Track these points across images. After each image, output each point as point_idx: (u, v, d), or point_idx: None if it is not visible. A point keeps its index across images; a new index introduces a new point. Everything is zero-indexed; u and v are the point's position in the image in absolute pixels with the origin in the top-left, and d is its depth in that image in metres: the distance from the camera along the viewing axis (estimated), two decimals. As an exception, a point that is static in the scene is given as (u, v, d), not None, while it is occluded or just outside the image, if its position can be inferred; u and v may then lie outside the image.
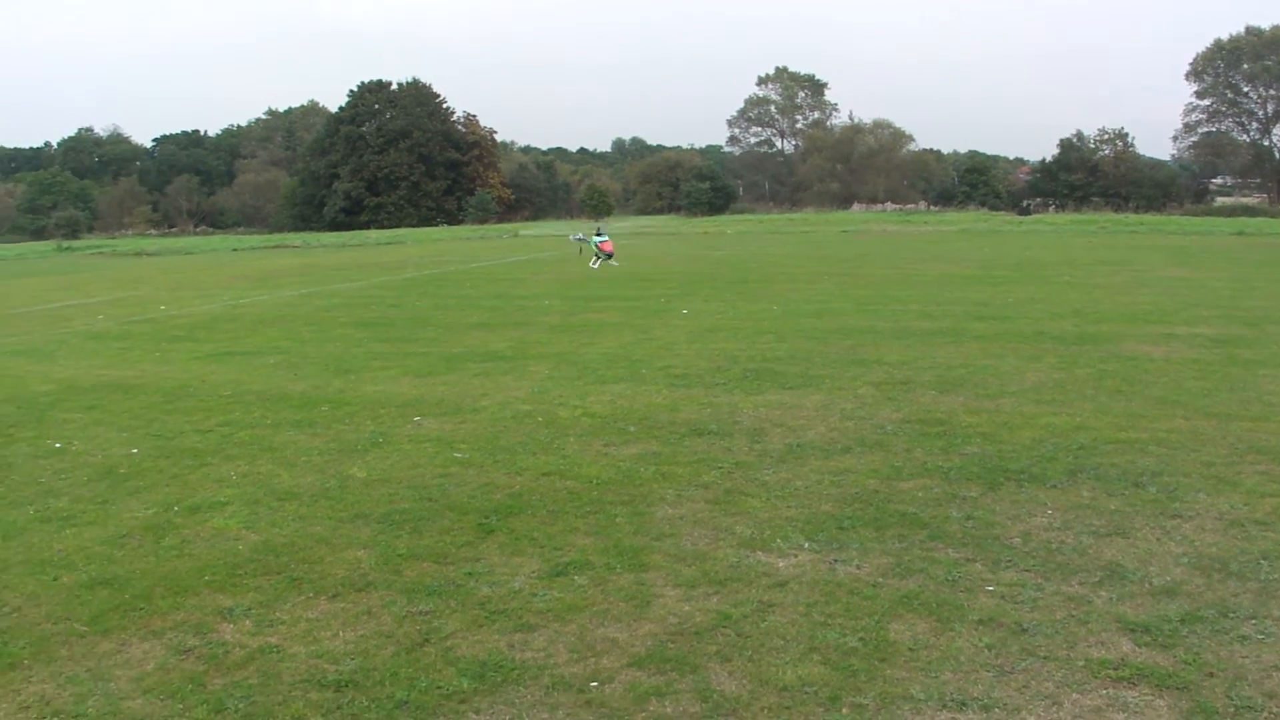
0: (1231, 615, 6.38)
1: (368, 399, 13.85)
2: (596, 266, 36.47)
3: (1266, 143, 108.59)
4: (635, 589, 7.05)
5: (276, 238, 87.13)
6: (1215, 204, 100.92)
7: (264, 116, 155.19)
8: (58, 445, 11.93)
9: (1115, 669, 5.76)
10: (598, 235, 39.37)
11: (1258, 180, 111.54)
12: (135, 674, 6.09)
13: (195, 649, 6.38)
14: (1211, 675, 5.67)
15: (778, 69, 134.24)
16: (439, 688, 5.77)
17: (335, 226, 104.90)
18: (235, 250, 71.01)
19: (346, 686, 5.82)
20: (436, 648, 6.25)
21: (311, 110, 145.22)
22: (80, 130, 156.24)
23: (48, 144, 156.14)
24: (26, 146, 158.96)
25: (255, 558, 7.94)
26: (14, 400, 14.77)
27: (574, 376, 14.92)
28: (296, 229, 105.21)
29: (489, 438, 11.47)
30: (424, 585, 7.23)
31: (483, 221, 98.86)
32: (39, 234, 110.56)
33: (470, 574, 7.42)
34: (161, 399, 14.37)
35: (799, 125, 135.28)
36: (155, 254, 70.84)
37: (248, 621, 6.75)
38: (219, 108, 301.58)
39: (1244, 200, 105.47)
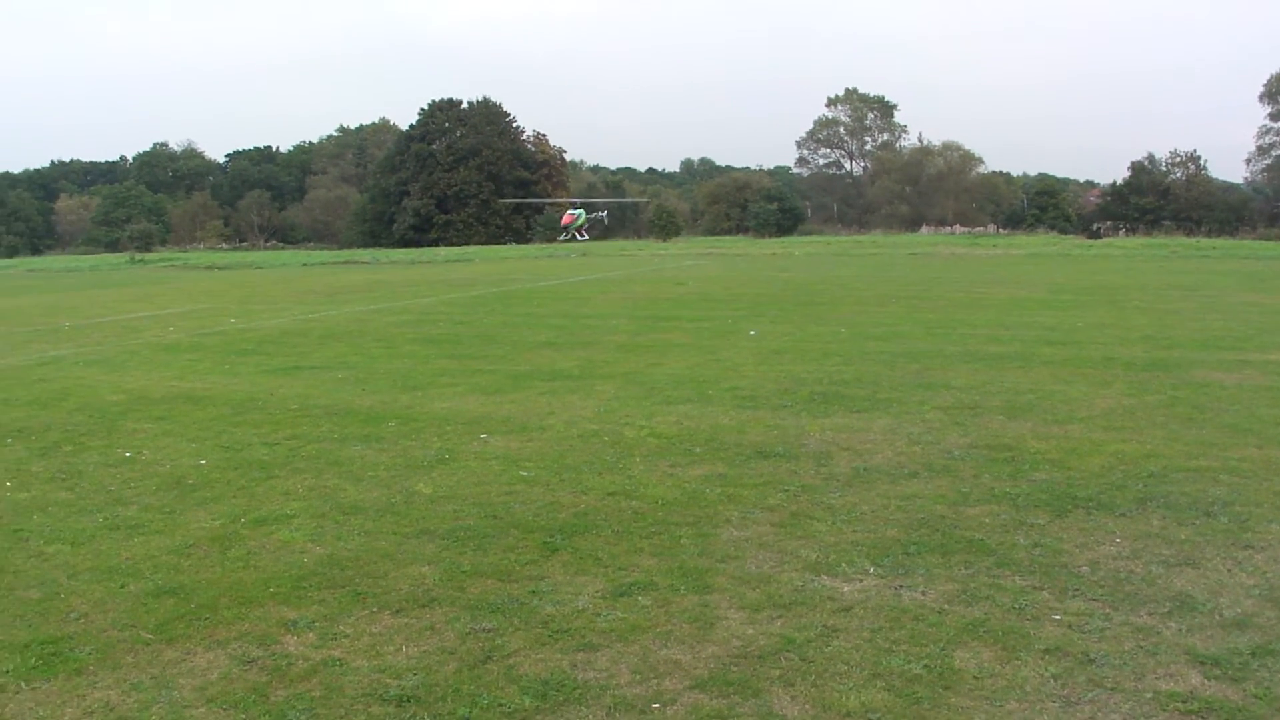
0: (1303, 649, 6.27)
1: (434, 415, 13.92)
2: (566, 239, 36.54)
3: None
4: (699, 611, 7.03)
5: (346, 253, 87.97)
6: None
7: (335, 133, 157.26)
8: (127, 454, 12.09)
9: (1184, 702, 5.67)
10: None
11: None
12: (199, 683, 6.14)
13: (259, 660, 6.43)
14: (1283, 710, 5.58)
15: (847, 90, 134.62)
16: (501, 705, 5.78)
17: (404, 243, 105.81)
18: (305, 265, 71.70)
19: (408, 702, 5.84)
20: (499, 665, 6.26)
21: (383, 128, 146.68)
22: (155, 145, 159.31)
23: (123, 158, 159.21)
24: (102, 160, 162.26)
25: (320, 571, 7.99)
26: (86, 409, 14.99)
27: (640, 396, 14.93)
28: (366, 245, 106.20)
29: (555, 456, 11.50)
30: (487, 602, 7.24)
31: (551, 240, 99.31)
32: (113, 246, 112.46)
33: (534, 592, 7.43)
34: (230, 411, 14.53)
35: (868, 147, 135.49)
36: (226, 268, 71.67)
37: (311, 634, 6.79)
38: (291, 124, 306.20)
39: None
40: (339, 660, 6.39)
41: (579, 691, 5.92)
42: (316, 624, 6.96)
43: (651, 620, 6.89)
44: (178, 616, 7.13)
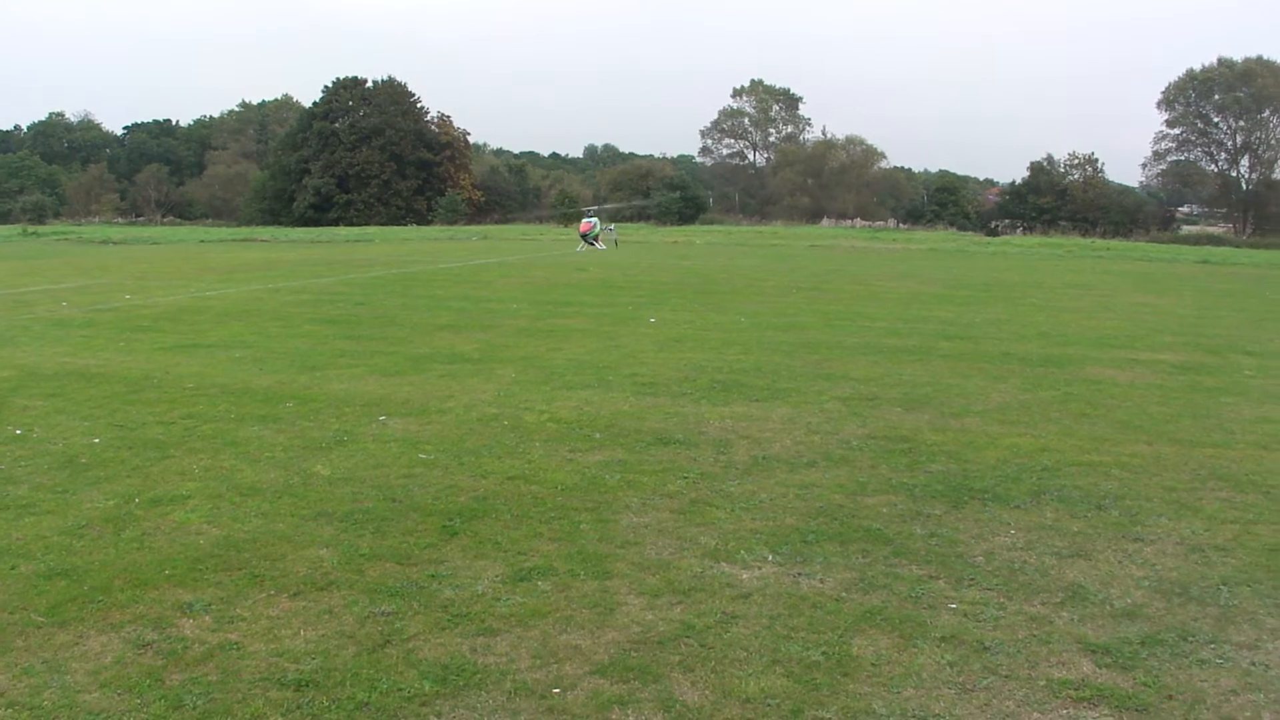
0: (1191, 639, 6.44)
1: (333, 396, 13.79)
2: (582, 251, 36.43)
3: (1234, 173, 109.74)
4: (599, 596, 7.04)
5: (245, 231, 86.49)
6: (1181, 232, 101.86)
7: (237, 109, 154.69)
8: (18, 432, 11.82)
9: (1076, 689, 5.79)
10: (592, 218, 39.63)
11: (1224, 210, 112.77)
12: (92, 667, 6.03)
13: (154, 643, 6.32)
14: (1170, 698, 5.71)
15: (753, 81, 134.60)
16: (400, 690, 5.74)
17: (304, 222, 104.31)
18: (203, 242, 70.52)
19: (307, 686, 5.78)
20: (398, 649, 6.22)
21: (285, 104, 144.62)
22: (51, 115, 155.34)
23: (17, 127, 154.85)
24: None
25: (216, 553, 7.88)
26: (-25, 385, 14.64)
27: (541, 381, 14.90)
28: (265, 223, 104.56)
29: (454, 439, 11.44)
30: (386, 586, 7.19)
31: (452, 223, 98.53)
32: (4, 218, 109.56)
33: (433, 576, 7.39)
34: (125, 389, 14.26)
35: (772, 138, 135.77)
36: (122, 242, 70.26)
37: (208, 617, 6.69)
38: (192, 98, 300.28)
39: (1210, 229, 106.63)
40: (236, 644, 6.31)
41: (479, 676, 5.90)
42: (213, 607, 6.86)
43: (551, 605, 6.89)
44: (70, 599, 6.99)
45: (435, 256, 48.03)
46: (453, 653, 6.18)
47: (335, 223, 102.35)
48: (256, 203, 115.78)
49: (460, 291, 29.71)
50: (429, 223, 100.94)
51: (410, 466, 10.32)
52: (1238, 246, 77.00)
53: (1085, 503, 9.27)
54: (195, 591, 7.13)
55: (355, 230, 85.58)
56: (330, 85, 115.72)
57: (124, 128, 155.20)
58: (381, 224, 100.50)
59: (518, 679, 5.87)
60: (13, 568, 7.60)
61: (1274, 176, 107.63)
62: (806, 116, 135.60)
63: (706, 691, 5.74)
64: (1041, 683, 5.88)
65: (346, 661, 6.07)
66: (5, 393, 14.05)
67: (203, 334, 20.03)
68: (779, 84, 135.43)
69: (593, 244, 50.09)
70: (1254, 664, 6.15)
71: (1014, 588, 7.26)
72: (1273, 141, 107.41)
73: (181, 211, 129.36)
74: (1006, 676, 5.95)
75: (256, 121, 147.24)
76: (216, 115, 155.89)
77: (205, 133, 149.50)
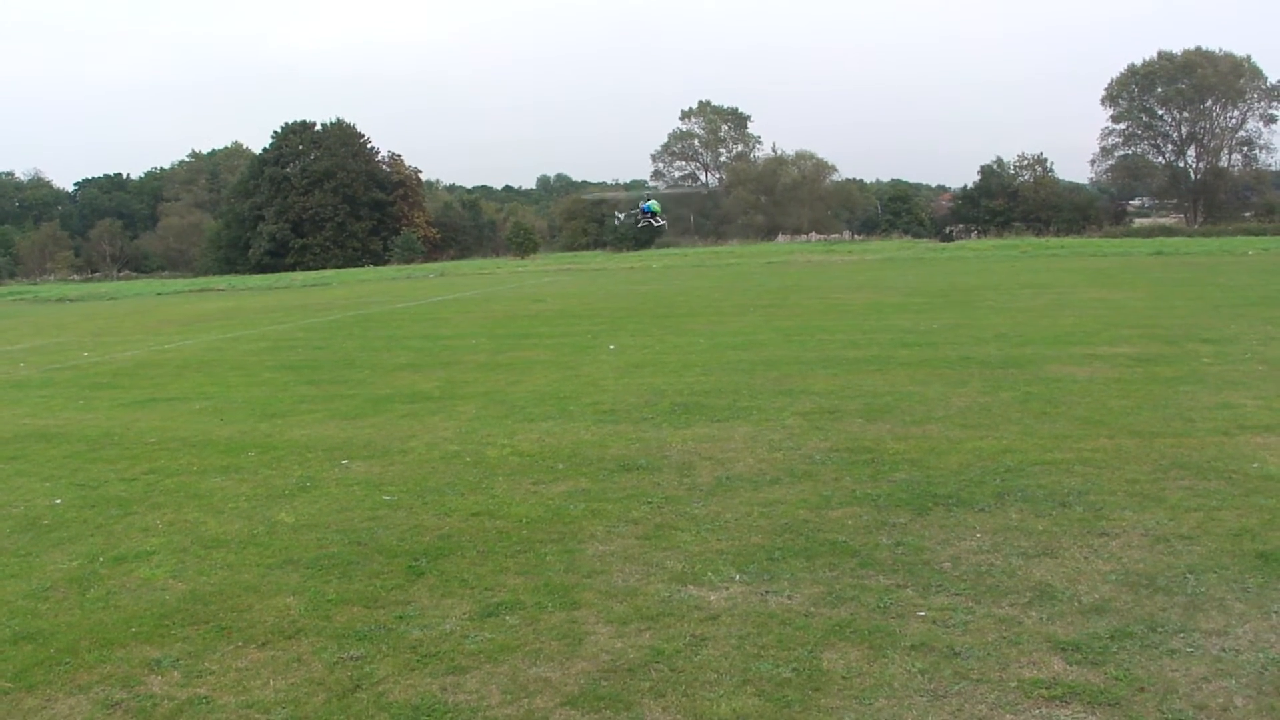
0: (1160, 630, 6.49)
1: (295, 443, 13.73)
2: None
3: (1181, 164, 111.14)
4: (567, 627, 7.03)
5: (201, 281, 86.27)
6: (1133, 225, 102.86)
7: (187, 159, 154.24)
8: (-22, 498, 11.73)
9: (1048, 688, 5.83)
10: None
11: (1174, 200, 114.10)
12: (61, 731, 5.98)
13: (123, 703, 6.28)
14: (1142, 690, 5.76)
15: (700, 103, 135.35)
16: (371, 734, 5.72)
17: (261, 269, 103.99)
18: (160, 294, 70.23)
19: (277, 736, 5.75)
20: (368, 693, 6.20)
21: (235, 152, 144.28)
22: (0, 174, 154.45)
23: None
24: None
25: (183, 607, 7.83)
26: (-68, 453, 14.50)
27: (502, 415, 14.88)
28: (221, 272, 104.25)
29: (417, 479, 11.41)
30: (354, 630, 7.17)
31: (408, 261, 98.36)
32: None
33: (401, 617, 7.37)
34: (85, 447, 14.17)
35: (723, 158, 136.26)
36: (78, 299, 69.89)
37: (176, 673, 6.65)
38: (141, 150, 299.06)
39: (1161, 221, 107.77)
40: (205, 698, 6.28)
41: (450, 715, 5.89)
42: (181, 662, 6.82)
43: (520, 639, 6.87)
44: (37, 662, 6.94)
45: (393, 296, 47.94)
46: (423, 693, 6.16)
47: (292, 268, 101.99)
48: (212, 252, 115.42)
49: (419, 330, 29.66)
50: (385, 262, 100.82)
51: (374, 509, 10.28)
52: (1190, 236, 77.78)
53: (1049, 501, 9.32)
54: (163, 648, 7.08)
55: (312, 274, 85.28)
56: (280, 130, 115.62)
57: (75, 184, 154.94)
58: (338, 266, 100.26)
59: (489, 715, 5.86)
60: (-23, 635, 7.53)
61: (1221, 165, 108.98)
62: (756, 134, 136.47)
63: (679, 716, 5.74)
64: (1013, 684, 5.91)
65: (317, 709, 6.04)
66: (-36, 459, 13.93)
67: (162, 388, 19.91)
68: (727, 104, 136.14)
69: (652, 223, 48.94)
70: (1224, 650, 6.20)
71: (982, 591, 7.29)
72: (1217, 130, 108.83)
73: (137, 265, 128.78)
74: (978, 680, 5.97)
75: (208, 171, 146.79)
76: (167, 166, 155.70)
77: (157, 184, 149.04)
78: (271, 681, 6.45)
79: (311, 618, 7.47)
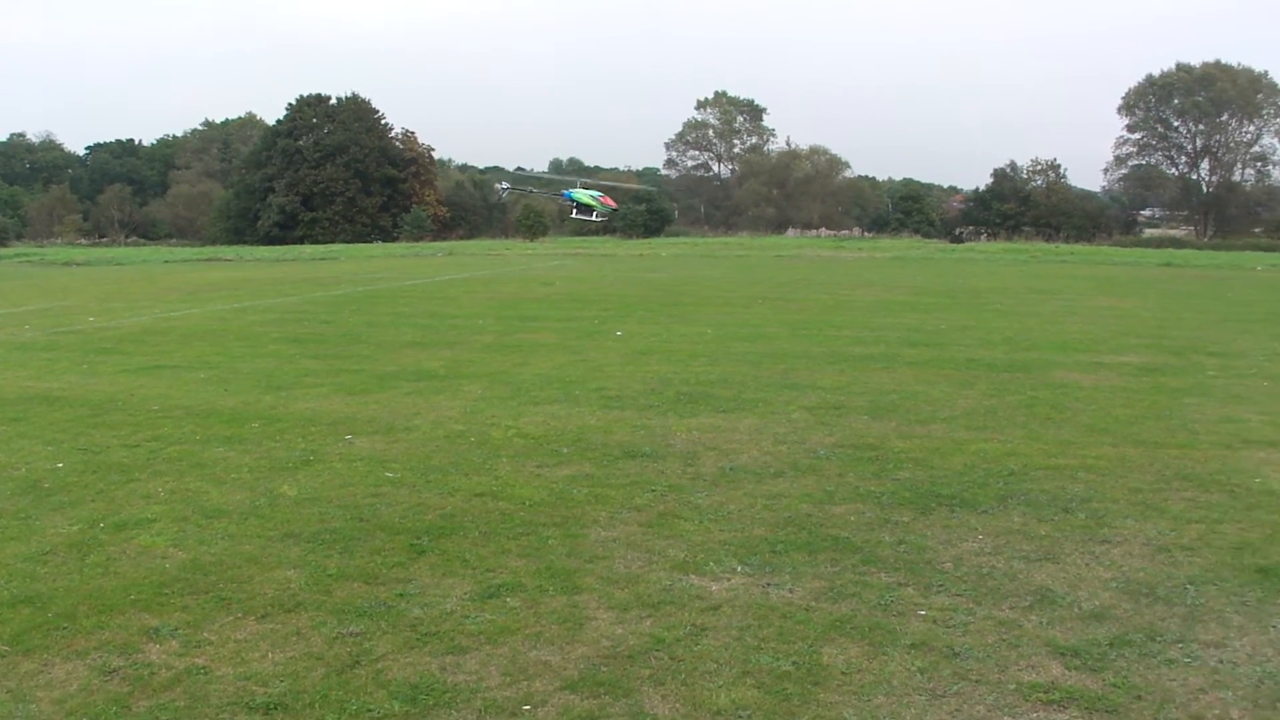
0: (1159, 639, 6.50)
1: (299, 416, 13.73)
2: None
3: (1194, 176, 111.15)
4: (568, 612, 7.03)
5: (209, 250, 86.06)
6: (1143, 235, 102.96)
7: (200, 128, 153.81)
8: (-19, 458, 11.73)
9: (1046, 692, 5.84)
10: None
11: (1185, 213, 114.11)
12: (58, 695, 5.98)
13: (120, 670, 6.27)
14: (1140, 698, 5.76)
15: (716, 93, 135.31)
16: (370, 711, 5.72)
17: (269, 241, 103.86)
18: (167, 262, 70.14)
19: (275, 709, 5.75)
20: (367, 670, 6.19)
21: (249, 122, 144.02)
22: (12, 136, 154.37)
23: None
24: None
25: (183, 576, 7.82)
26: (-64, 412, 14.50)
27: (507, 397, 14.87)
28: (230, 242, 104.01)
29: (421, 457, 11.41)
30: (354, 606, 7.16)
31: (417, 239, 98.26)
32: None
33: (401, 595, 7.36)
34: (88, 412, 14.16)
35: (736, 150, 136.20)
36: (85, 264, 69.76)
37: (174, 642, 6.65)
38: (154, 117, 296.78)
39: (1171, 232, 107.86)
40: (203, 668, 6.27)
41: (449, 695, 5.88)
42: (179, 631, 6.81)
43: (520, 622, 6.87)
44: (34, 626, 6.92)
45: (401, 273, 47.93)
46: (422, 672, 6.15)
47: (300, 241, 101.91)
48: (221, 222, 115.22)
49: (426, 308, 29.65)
50: (394, 239, 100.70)
51: (377, 485, 10.28)
52: (1199, 249, 77.79)
53: (1052, 506, 9.32)
54: (161, 616, 7.07)
55: (320, 248, 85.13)
56: (294, 103, 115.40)
57: (86, 148, 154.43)
58: (347, 241, 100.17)
59: (488, 697, 5.86)
60: (-24, 596, 7.53)
61: (1234, 179, 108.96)
62: (770, 127, 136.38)
63: (677, 704, 5.74)
64: (1011, 686, 5.91)
65: (315, 683, 6.03)
66: (-33, 419, 13.93)
67: (167, 355, 19.91)
68: (743, 95, 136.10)
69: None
70: (1221, 662, 6.21)
71: (983, 593, 7.30)
72: (1231, 144, 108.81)
73: (145, 232, 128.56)
74: (977, 681, 5.97)
75: (220, 140, 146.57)
76: (180, 134, 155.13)
77: (168, 152, 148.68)
78: (270, 654, 6.45)
79: (312, 592, 7.47)
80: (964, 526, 8.79)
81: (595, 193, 42.94)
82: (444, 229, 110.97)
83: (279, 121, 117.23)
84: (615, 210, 38.95)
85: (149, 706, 5.82)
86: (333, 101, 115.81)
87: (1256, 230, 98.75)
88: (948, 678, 6.02)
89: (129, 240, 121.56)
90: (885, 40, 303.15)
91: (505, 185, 42.10)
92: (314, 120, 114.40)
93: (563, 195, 41.05)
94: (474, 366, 17.88)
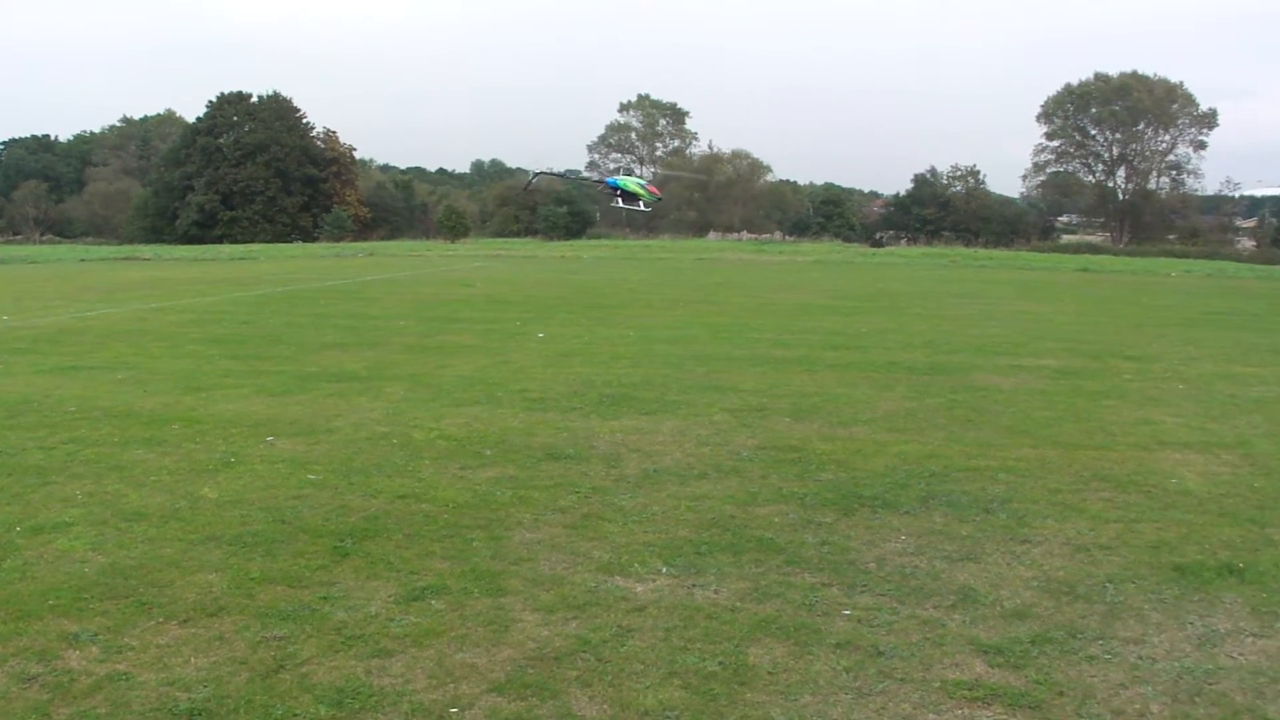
0: (1080, 636, 6.64)
1: (219, 417, 13.58)
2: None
3: (1110, 184, 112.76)
4: (493, 614, 7.02)
5: (126, 249, 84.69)
6: (1061, 241, 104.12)
7: (118, 124, 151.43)
8: (-108, 461, 11.50)
9: (970, 690, 5.93)
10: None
11: (1101, 219, 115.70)
12: (-25, 701, 5.88)
13: (39, 677, 6.17)
14: (1062, 694, 5.88)
15: (639, 96, 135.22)
16: (295, 715, 5.68)
17: (188, 240, 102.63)
18: (83, 261, 68.99)
19: (199, 715, 5.69)
20: (292, 674, 6.15)
21: (168, 119, 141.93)
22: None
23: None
24: None
25: (102, 581, 7.71)
26: None
27: (429, 398, 14.81)
28: (148, 241, 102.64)
29: (343, 459, 11.33)
30: (278, 610, 7.10)
31: (338, 239, 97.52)
32: None
33: (325, 598, 7.31)
34: (2, 414, 13.90)
35: (659, 153, 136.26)
36: (-3, 263, 68.73)
37: (94, 648, 6.55)
38: (71, 113, 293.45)
39: (1088, 238, 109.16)
40: (125, 674, 6.18)
41: (375, 699, 5.86)
42: (100, 636, 6.72)
43: (446, 624, 6.85)
44: (-51, 632, 6.80)
45: (321, 274, 47.55)
46: (347, 676, 6.12)
47: (220, 240, 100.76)
48: (139, 220, 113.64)
49: (347, 309, 29.44)
50: (315, 240, 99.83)
51: (299, 487, 10.20)
52: (1115, 254, 79.14)
53: (973, 507, 9.45)
54: (81, 622, 6.97)
55: (240, 248, 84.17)
56: (214, 100, 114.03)
57: (0, 143, 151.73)
58: (267, 241, 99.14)
59: (414, 700, 5.84)
60: (-111, 601, 7.38)
61: (1149, 187, 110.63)
62: (693, 130, 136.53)
63: (605, 706, 5.75)
64: (936, 684, 5.99)
65: (239, 688, 5.98)
66: (-122, 420, 13.64)
67: (84, 356, 19.60)
68: (665, 98, 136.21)
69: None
70: (1141, 658, 6.36)
71: (906, 592, 7.38)
72: (1147, 153, 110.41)
73: (61, 230, 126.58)
74: (902, 680, 6.04)
75: (139, 137, 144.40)
76: (97, 131, 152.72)
77: (85, 148, 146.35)
78: (193, 659, 6.37)
79: (234, 595, 7.39)
80: (886, 527, 8.89)
81: (641, 180, 42.83)
82: (365, 229, 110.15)
83: (199, 119, 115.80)
84: (660, 199, 38.65)
85: (70, 714, 5.74)
86: (254, 100, 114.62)
87: (1171, 237, 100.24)
88: (873, 676, 6.08)
89: (44, 238, 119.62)
90: (808, 46, 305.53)
91: (536, 173, 41.43)
92: (234, 118, 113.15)
93: (606, 182, 40.64)
94: (396, 368, 17.78)
